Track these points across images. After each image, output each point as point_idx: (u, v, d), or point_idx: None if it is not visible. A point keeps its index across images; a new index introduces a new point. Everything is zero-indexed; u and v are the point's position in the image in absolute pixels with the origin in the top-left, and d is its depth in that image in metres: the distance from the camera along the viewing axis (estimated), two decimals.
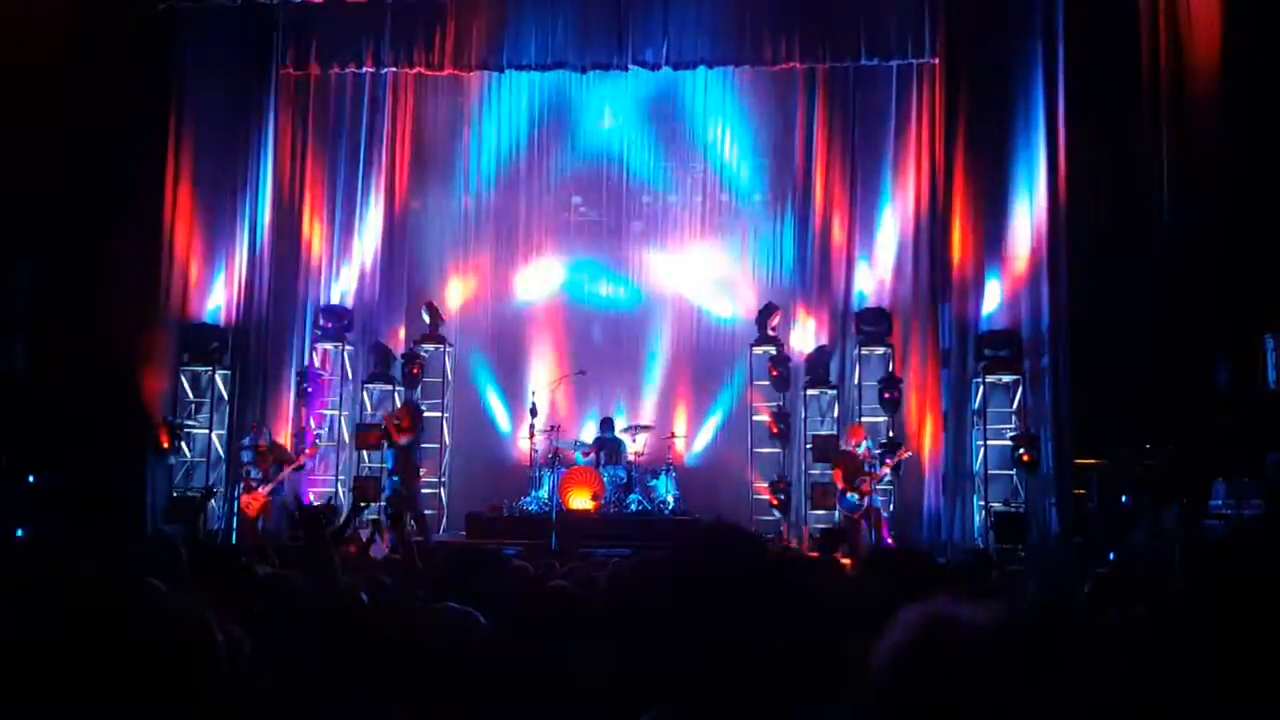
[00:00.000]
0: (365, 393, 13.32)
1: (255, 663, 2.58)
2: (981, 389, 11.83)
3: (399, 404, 12.80)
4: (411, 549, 10.03)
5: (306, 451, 12.20)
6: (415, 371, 13.12)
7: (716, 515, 9.74)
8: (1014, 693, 1.10)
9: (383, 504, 11.56)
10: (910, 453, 11.76)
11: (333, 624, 3.41)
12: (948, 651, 1.13)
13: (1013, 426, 11.77)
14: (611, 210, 14.00)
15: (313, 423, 12.87)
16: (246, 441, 11.96)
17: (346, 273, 13.52)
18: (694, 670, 1.53)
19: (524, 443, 12.95)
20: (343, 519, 10.90)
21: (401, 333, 13.68)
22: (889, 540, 11.17)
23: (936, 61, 12.34)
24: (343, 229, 13.52)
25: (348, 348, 13.33)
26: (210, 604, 2.16)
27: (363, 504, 11.52)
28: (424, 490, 12.14)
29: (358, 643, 3.26)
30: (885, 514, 11.64)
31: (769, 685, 1.51)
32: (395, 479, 11.33)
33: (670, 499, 12.50)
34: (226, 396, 12.55)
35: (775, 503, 12.32)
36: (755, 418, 12.94)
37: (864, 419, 12.19)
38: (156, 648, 1.58)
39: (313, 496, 12.65)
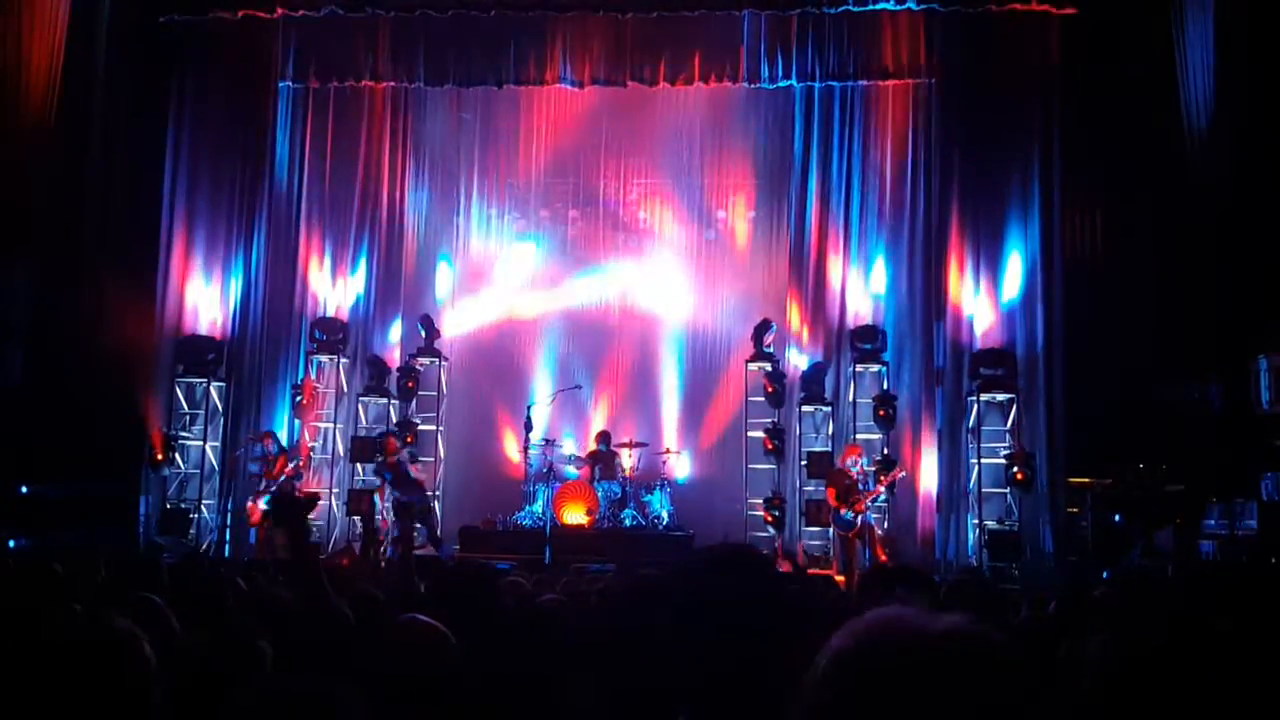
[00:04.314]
0: (360, 406, 13.32)
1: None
2: (976, 407, 11.84)
3: (394, 418, 12.88)
4: (409, 563, 10.01)
5: (299, 463, 12.16)
6: (410, 385, 13.12)
7: (724, 536, 9.72)
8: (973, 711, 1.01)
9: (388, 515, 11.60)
10: (904, 473, 11.72)
11: (317, 637, 3.39)
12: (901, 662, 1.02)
13: (1007, 445, 11.78)
14: (608, 225, 14.02)
15: (307, 435, 12.84)
16: (258, 451, 11.96)
17: (342, 286, 13.53)
18: (697, 689, 1.54)
19: (519, 457, 12.93)
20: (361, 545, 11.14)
21: (397, 346, 13.68)
22: (883, 558, 11.14)
23: (933, 82, 12.43)
24: (339, 242, 13.53)
25: (343, 361, 13.32)
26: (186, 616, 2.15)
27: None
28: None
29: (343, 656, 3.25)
30: (879, 532, 11.62)
31: (770, 703, 1.52)
32: (397, 492, 11.32)
33: (664, 514, 12.47)
34: (221, 409, 12.55)
35: (769, 519, 12.31)
36: (750, 434, 12.93)
37: (858, 436, 12.20)
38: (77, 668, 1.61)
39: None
